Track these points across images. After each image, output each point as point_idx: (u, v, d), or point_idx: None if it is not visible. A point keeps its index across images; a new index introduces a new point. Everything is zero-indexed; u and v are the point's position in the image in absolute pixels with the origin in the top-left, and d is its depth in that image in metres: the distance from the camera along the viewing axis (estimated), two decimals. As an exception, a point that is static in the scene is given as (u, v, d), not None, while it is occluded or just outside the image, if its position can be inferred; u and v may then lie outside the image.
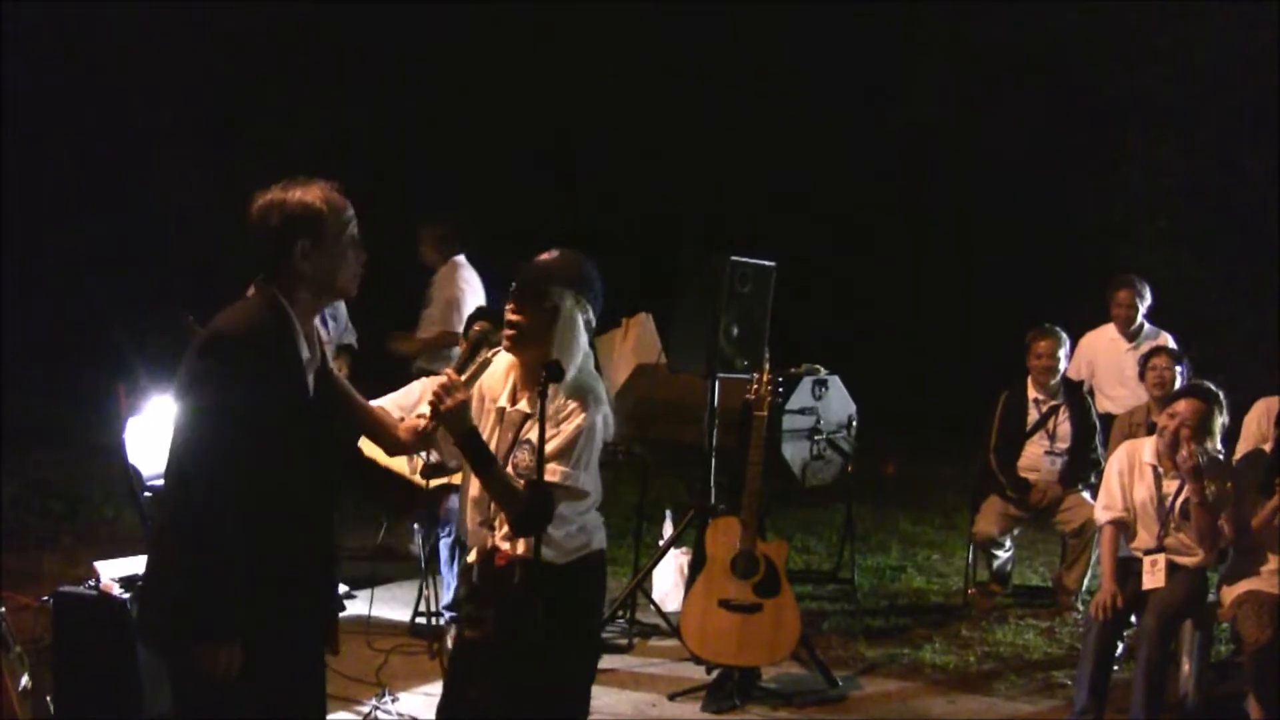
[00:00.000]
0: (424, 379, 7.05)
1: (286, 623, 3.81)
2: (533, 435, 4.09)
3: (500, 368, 4.37)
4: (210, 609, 3.59)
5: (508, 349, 4.25)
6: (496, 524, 4.22)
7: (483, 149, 16.99)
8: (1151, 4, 14.81)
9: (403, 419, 4.39)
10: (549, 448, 4.03)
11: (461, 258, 8.91)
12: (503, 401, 4.28)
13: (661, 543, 8.14)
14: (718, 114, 17.67)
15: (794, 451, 7.87)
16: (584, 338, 4.21)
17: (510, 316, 4.20)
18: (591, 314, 4.25)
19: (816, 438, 7.98)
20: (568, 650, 4.24)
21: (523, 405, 4.22)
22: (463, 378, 4.17)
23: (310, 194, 3.79)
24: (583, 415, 4.12)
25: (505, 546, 4.19)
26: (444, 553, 7.28)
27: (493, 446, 4.20)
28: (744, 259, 7.14)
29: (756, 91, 17.81)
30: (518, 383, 4.27)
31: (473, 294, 8.77)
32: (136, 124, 14.67)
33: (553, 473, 4.04)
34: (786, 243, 9.85)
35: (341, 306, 8.41)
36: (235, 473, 3.59)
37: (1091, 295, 9.68)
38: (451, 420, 4.02)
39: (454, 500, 6.98)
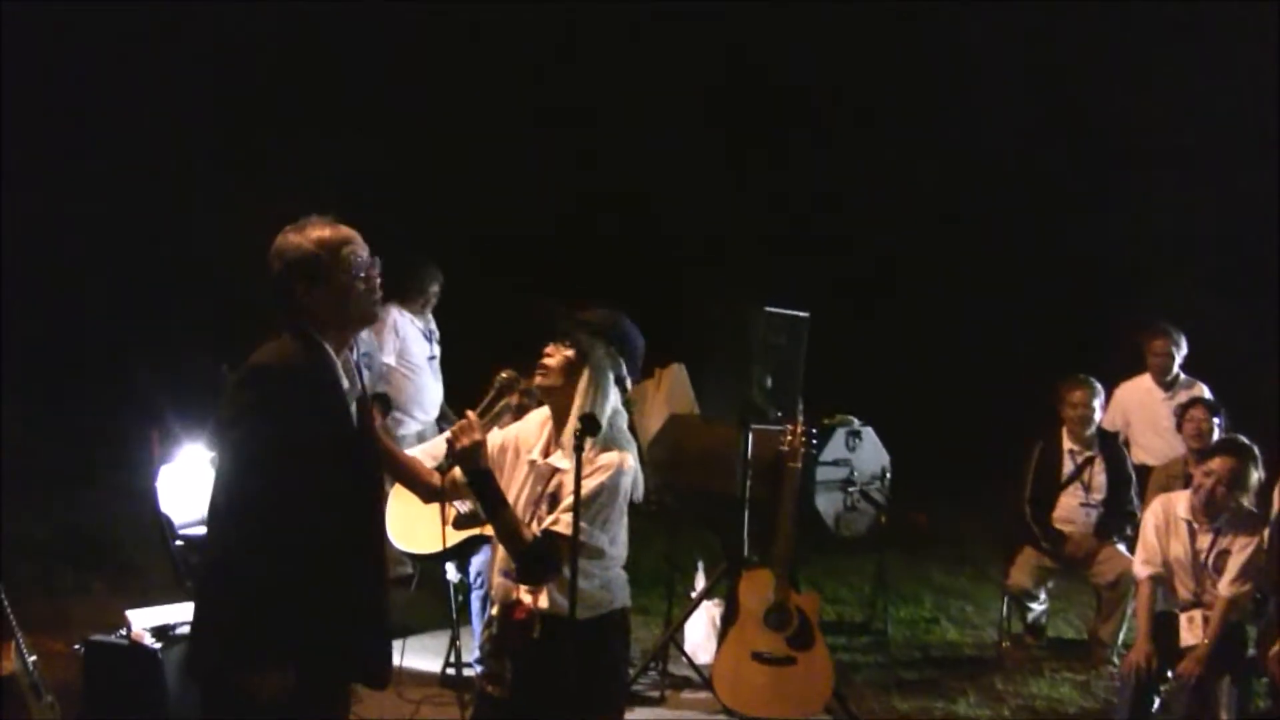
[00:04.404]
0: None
1: (335, 653, 3.85)
2: (558, 489, 4.14)
3: (536, 420, 4.41)
4: (259, 639, 3.63)
5: (538, 386, 4.28)
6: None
7: (503, 190, 17.02)
8: (1182, 48, 14.78)
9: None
10: (568, 501, 4.04)
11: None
12: (535, 454, 4.30)
13: (694, 594, 8.07)
14: (743, 154, 17.63)
15: (827, 503, 7.85)
16: (614, 392, 4.23)
17: (545, 360, 4.26)
18: (624, 371, 4.28)
19: (850, 489, 7.96)
20: (587, 709, 4.18)
21: (554, 459, 4.23)
22: (483, 420, 4.21)
23: (304, 236, 3.88)
24: (608, 474, 4.12)
25: (527, 599, 4.19)
26: (475, 604, 7.27)
27: (522, 498, 4.24)
28: (778, 309, 7.14)
29: (786, 133, 17.78)
30: (551, 436, 4.30)
31: None
32: (165, 159, 14.76)
33: (566, 525, 4.02)
34: (823, 292, 9.82)
35: (376, 356, 8.55)
36: (280, 503, 3.64)
37: (1124, 344, 9.62)
38: (465, 459, 4.05)
39: (485, 552, 6.99)
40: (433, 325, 9.30)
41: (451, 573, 7.31)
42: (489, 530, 5.94)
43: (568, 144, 17.00)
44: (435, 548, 6.94)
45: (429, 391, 9.18)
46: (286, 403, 3.70)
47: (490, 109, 16.89)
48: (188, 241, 14.30)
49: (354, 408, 3.95)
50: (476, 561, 7.15)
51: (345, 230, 3.94)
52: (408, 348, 9.01)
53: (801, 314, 7.28)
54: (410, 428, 8.94)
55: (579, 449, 3.97)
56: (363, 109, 16.07)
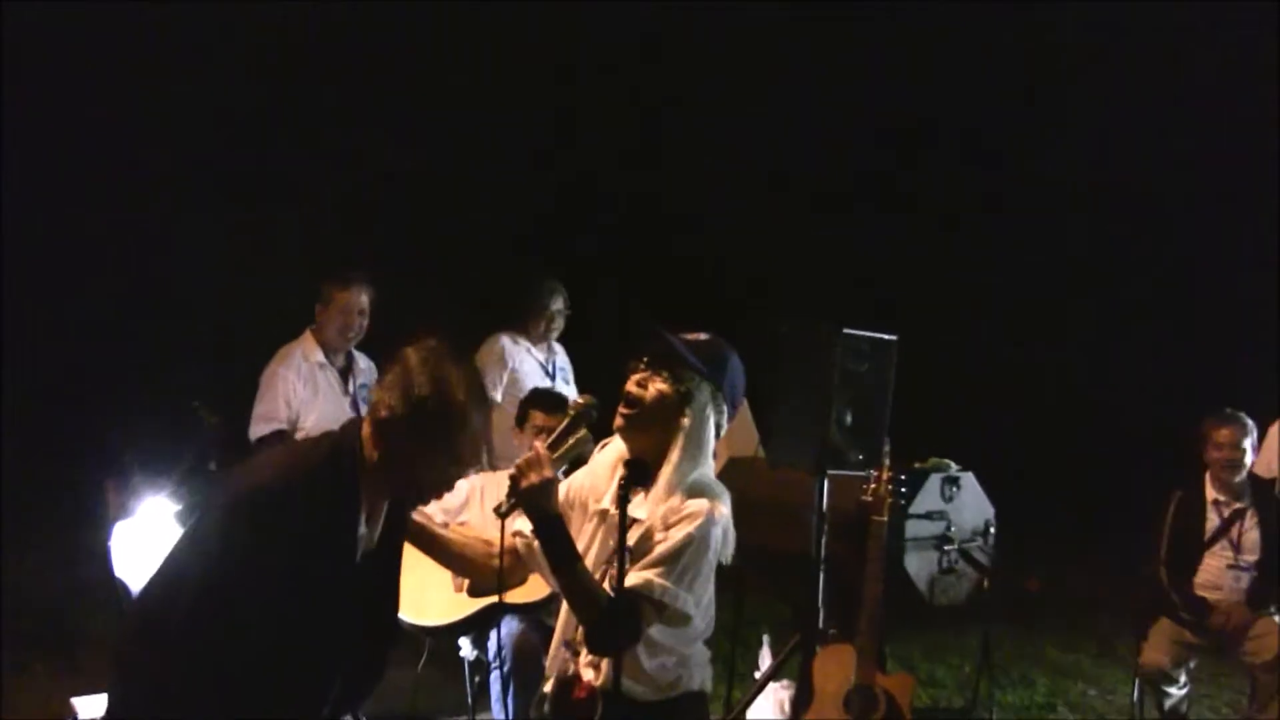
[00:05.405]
0: (472, 476, 6.92)
1: None
2: (639, 543, 4.01)
3: (605, 463, 4.23)
4: None
5: (619, 429, 4.10)
6: (581, 646, 4.06)
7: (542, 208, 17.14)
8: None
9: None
10: (652, 554, 3.91)
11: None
12: (605, 503, 4.15)
13: (759, 673, 7.85)
14: (828, 175, 17.73)
15: (919, 564, 7.65)
16: (711, 443, 4.05)
17: (633, 389, 4.07)
18: (724, 419, 4.09)
19: (947, 548, 7.76)
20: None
21: (632, 508, 4.03)
22: (554, 455, 4.02)
23: (441, 375, 3.70)
24: (695, 524, 3.93)
25: (589, 676, 4.05)
26: (494, 687, 6.95)
27: (593, 554, 4.09)
28: (858, 331, 6.91)
29: (869, 153, 17.90)
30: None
31: None
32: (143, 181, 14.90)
33: (646, 583, 3.85)
34: (911, 316, 9.77)
35: None
36: (235, 631, 3.59)
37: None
38: (531, 501, 3.87)
39: (508, 624, 6.75)
40: (561, 360, 9.03)
41: (467, 649, 7.11)
42: (513, 597, 5.87)
43: (620, 156, 17.20)
44: (448, 618, 6.79)
45: None
46: (279, 545, 3.61)
47: (525, 118, 17.12)
48: (153, 266, 14.43)
49: (359, 554, 3.79)
50: (496, 636, 6.96)
51: (482, 409, 3.77)
52: (521, 382, 8.72)
53: (888, 336, 7.06)
54: None
55: (624, 500, 3.85)
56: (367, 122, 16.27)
